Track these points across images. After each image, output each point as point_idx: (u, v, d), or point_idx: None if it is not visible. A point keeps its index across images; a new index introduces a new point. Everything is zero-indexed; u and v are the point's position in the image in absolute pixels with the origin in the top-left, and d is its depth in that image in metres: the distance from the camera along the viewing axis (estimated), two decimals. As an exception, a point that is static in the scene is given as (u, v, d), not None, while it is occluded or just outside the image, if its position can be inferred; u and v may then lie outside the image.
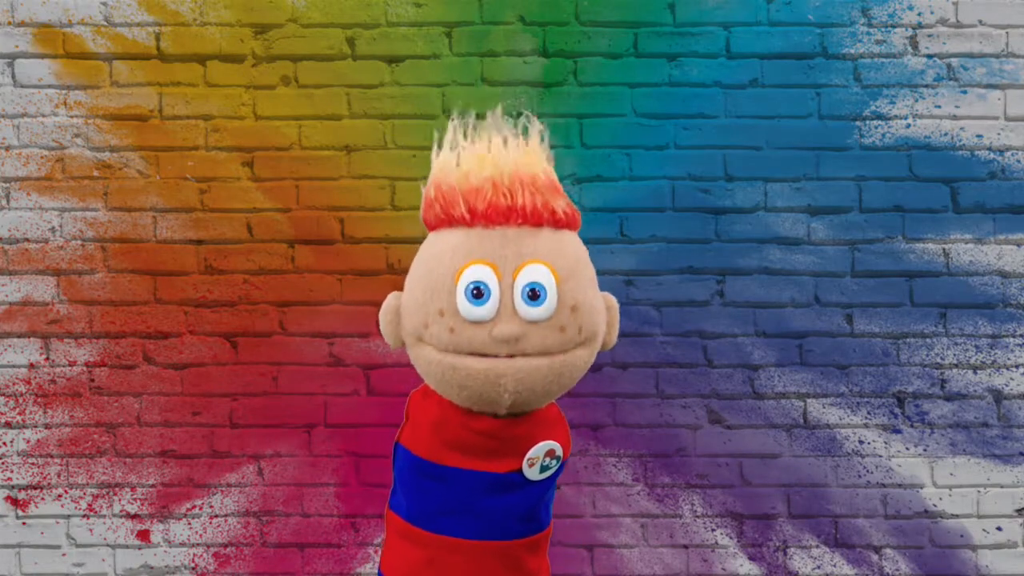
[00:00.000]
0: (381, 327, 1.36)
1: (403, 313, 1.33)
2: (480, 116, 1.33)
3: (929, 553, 2.27)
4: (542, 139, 1.32)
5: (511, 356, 1.25)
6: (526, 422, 1.33)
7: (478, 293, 1.24)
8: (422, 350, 1.30)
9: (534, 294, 1.24)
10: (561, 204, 1.30)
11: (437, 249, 1.30)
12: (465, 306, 1.24)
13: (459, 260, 1.26)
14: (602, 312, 1.33)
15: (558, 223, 1.30)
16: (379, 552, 2.26)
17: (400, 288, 1.36)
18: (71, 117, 2.25)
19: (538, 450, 1.32)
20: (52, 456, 2.25)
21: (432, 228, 1.34)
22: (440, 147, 1.33)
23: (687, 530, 2.27)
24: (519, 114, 1.34)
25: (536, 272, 1.25)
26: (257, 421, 2.25)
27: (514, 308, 1.24)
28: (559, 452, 1.34)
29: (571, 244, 1.31)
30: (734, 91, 2.27)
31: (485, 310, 1.24)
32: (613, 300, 1.37)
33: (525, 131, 1.32)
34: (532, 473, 1.32)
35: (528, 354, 1.26)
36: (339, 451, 2.25)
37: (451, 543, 1.32)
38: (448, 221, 1.29)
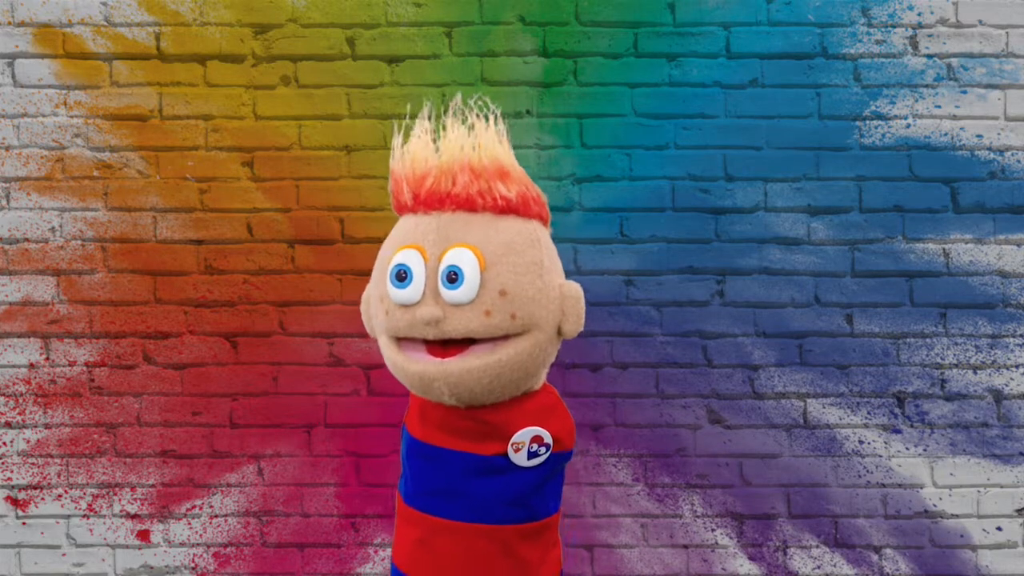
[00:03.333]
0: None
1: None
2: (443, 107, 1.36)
3: (929, 553, 2.27)
4: (496, 124, 1.33)
5: (446, 348, 1.27)
6: (512, 407, 1.33)
7: (401, 276, 1.27)
8: (380, 340, 1.35)
9: (452, 276, 1.25)
10: (502, 190, 1.30)
11: (388, 238, 1.36)
12: (392, 289, 1.28)
13: (396, 245, 1.31)
14: (547, 300, 1.31)
15: (498, 208, 1.30)
16: (379, 552, 2.26)
17: None
18: (71, 117, 2.25)
19: (523, 435, 1.32)
20: (52, 456, 2.25)
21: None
22: (403, 139, 1.35)
23: (687, 530, 2.27)
24: (485, 106, 1.36)
25: (457, 255, 1.26)
26: (257, 421, 2.25)
27: (437, 291, 1.26)
28: (547, 440, 1.34)
29: (510, 230, 1.31)
30: (734, 91, 2.27)
31: (407, 293, 1.27)
32: (575, 289, 1.35)
33: (487, 119, 1.33)
34: (519, 459, 1.32)
35: (459, 345, 1.27)
36: (339, 451, 2.25)
37: (439, 524, 1.33)
38: (399, 208, 1.36)
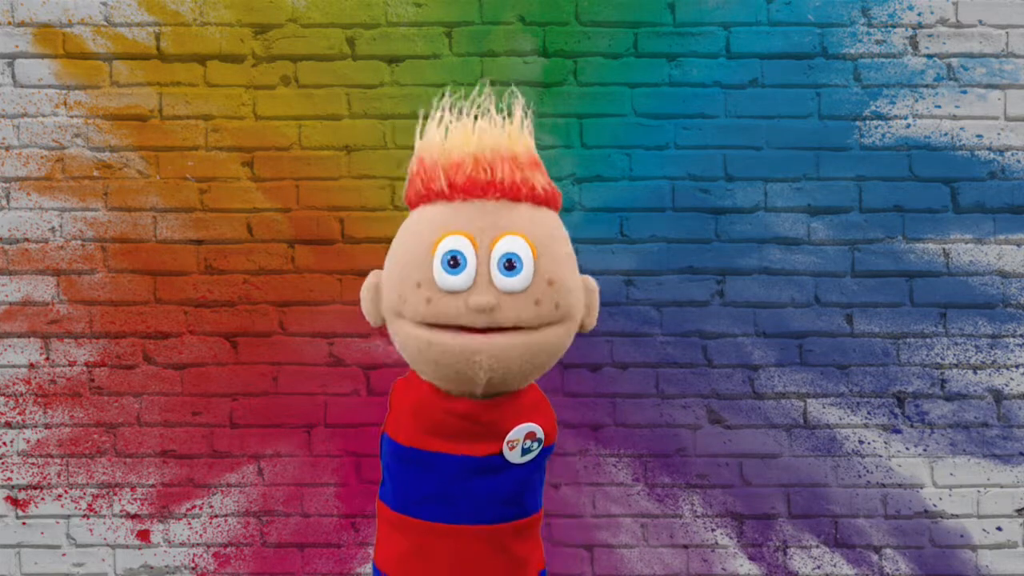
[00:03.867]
0: (362, 304, 1.39)
1: (383, 289, 1.35)
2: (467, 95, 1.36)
3: (929, 553, 2.27)
4: (526, 117, 1.35)
5: (487, 330, 1.26)
6: (505, 404, 1.33)
7: (454, 262, 1.26)
8: (400, 325, 1.32)
9: (510, 264, 1.25)
10: (541, 181, 1.32)
11: (417, 223, 1.33)
12: (441, 276, 1.26)
13: (437, 232, 1.28)
14: (579, 292, 1.34)
15: (537, 199, 1.32)
16: (379, 552, 2.26)
17: None
18: (71, 117, 2.25)
19: (518, 432, 1.32)
20: (52, 456, 2.25)
21: (414, 206, 1.36)
22: (425, 125, 1.35)
23: (687, 530, 2.27)
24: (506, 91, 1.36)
25: (514, 243, 1.26)
26: (257, 421, 2.25)
27: (490, 278, 1.26)
28: (540, 435, 1.34)
29: (547, 221, 1.33)
30: (734, 91, 2.27)
31: (461, 279, 1.25)
32: (594, 283, 1.38)
33: (511, 109, 1.35)
34: (513, 456, 1.33)
35: (504, 328, 1.26)
36: (339, 451, 2.25)
37: (436, 529, 1.33)
38: (429, 196, 1.32)
